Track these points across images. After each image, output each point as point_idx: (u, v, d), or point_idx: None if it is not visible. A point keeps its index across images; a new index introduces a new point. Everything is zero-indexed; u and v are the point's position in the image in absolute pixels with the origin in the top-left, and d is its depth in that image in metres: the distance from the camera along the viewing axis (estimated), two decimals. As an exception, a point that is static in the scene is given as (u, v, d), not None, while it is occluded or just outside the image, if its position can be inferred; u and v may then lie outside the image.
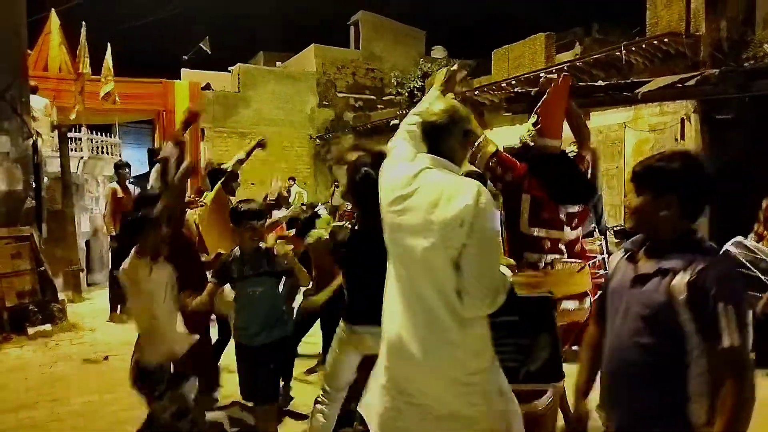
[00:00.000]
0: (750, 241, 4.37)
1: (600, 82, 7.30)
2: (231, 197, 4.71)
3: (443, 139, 2.00)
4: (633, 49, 9.42)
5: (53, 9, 11.97)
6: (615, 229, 7.26)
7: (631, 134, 10.01)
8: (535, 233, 2.80)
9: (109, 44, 11.03)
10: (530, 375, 2.43)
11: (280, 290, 3.46)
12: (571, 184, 2.83)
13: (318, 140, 20.53)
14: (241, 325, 3.23)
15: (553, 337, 2.47)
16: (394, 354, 1.96)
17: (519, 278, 2.70)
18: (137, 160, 12.50)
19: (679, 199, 1.65)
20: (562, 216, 2.83)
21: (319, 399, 2.89)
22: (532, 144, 2.91)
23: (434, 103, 2.13)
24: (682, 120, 9.05)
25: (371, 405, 2.09)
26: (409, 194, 1.93)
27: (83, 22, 10.46)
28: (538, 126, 2.88)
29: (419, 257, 1.87)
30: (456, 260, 1.81)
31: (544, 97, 2.89)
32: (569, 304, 2.74)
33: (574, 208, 2.87)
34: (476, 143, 2.87)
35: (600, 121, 9.86)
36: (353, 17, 22.84)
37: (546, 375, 2.45)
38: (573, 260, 2.84)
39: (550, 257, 2.79)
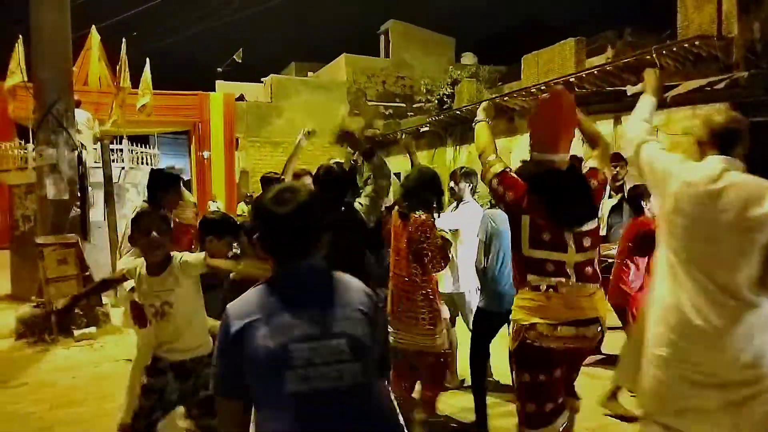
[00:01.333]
0: None
1: (629, 86, 7.26)
2: None
3: (736, 144, 2.38)
4: (664, 52, 9.34)
5: (93, 26, 12.46)
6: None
7: (663, 138, 9.93)
8: (536, 255, 2.66)
9: (147, 59, 11.44)
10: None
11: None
12: (571, 203, 2.68)
13: (349, 147, 20.79)
14: None
15: None
16: (682, 332, 2.28)
17: (520, 301, 2.70)
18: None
19: None
20: (568, 237, 2.65)
21: None
22: (534, 160, 2.84)
23: (718, 112, 2.57)
24: (715, 123, 8.94)
25: (644, 372, 2.41)
26: (717, 191, 2.26)
27: (123, 39, 10.88)
28: (531, 141, 2.83)
29: (725, 247, 2.23)
30: (764, 251, 2.17)
31: (533, 110, 2.84)
32: (571, 330, 2.60)
33: (582, 228, 2.69)
34: (485, 160, 2.87)
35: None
36: (383, 26, 23.11)
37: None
38: (582, 283, 2.65)
39: (553, 280, 2.62)
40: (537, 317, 2.61)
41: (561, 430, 2.71)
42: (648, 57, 9.67)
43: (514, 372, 2.86)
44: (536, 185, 2.69)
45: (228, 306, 1.60)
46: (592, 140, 3.06)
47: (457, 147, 16.07)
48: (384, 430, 1.58)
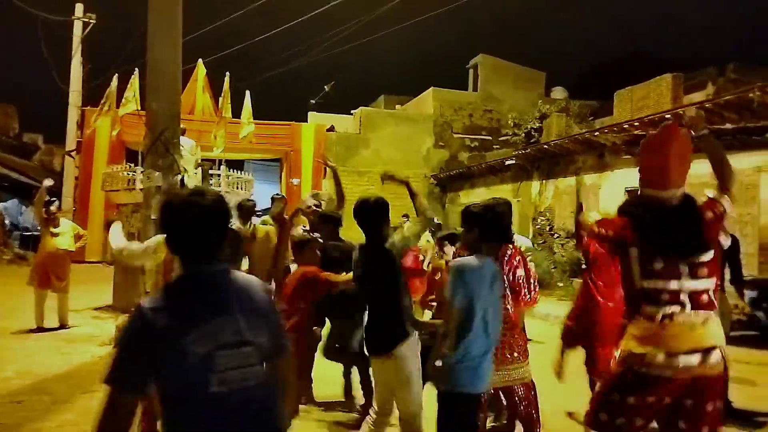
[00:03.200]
0: None
1: (728, 125, 6.94)
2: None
3: None
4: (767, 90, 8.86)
5: (200, 60, 13.45)
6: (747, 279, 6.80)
7: (766, 179, 9.33)
8: (648, 285, 2.66)
9: (248, 91, 12.21)
10: None
11: None
12: (676, 232, 2.66)
13: (432, 179, 20.96)
14: None
15: None
16: None
17: (633, 330, 2.69)
18: (265, 194, 13.50)
19: None
20: (683, 266, 2.64)
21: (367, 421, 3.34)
22: (643, 195, 2.81)
23: None
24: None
25: None
26: None
27: (227, 72, 11.68)
28: (640, 176, 2.81)
29: None
30: None
31: (641, 147, 2.82)
32: (691, 359, 2.56)
33: (701, 258, 2.66)
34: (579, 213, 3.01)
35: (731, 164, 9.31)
36: (472, 60, 23.29)
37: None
38: (699, 311, 2.63)
39: (669, 309, 2.61)
40: (650, 347, 2.59)
41: None
42: (751, 95, 9.21)
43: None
44: (638, 218, 2.70)
45: (144, 302, 1.68)
46: (718, 168, 2.85)
47: (543, 181, 15.79)
48: (274, 422, 1.78)
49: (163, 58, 7.73)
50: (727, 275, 4.92)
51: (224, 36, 17.14)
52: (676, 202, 2.71)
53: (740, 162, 9.30)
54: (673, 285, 2.62)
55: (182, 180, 8.09)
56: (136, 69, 11.03)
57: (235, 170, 12.04)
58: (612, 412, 2.68)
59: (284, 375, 1.88)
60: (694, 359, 2.55)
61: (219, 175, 11.19)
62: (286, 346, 1.86)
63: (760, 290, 7.64)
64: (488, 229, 3.13)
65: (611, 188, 13.34)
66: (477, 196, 18.08)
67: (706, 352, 2.57)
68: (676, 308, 2.60)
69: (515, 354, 3.71)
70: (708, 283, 2.65)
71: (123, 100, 11.28)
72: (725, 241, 2.81)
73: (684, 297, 2.61)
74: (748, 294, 6.93)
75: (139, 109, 9.88)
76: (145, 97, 8.29)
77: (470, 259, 3.07)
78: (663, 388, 2.59)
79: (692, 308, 2.61)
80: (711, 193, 2.80)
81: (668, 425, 2.69)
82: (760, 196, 9.25)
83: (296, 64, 22.34)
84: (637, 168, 2.82)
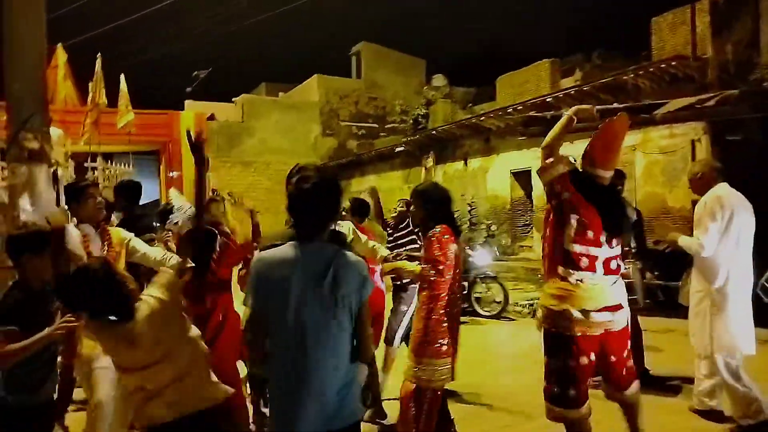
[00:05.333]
0: None
1: (615, 105, 7.39)
2: None
3: None
4: (641, 72, 9.57)
5: (60, 44, 12.10)
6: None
7: (640, 157, 10.11)
8: (574, 250, 2.98)
9: (123, 76, 11.12)
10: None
11: None
12: (621, 216, 3.13)
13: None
14: None
15: None
16: None
17: (550, 289, 3.05)
18: (144, 188, 12.52)
19: None
20: (602, 237, 3.00)
21: None
22: (583, 170, 3.11)
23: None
24: (693, 142, 9.15)
25: None
26: None
27: (98, 54, 10.56)
28: (586, 156, 3.09)
29: None
30: None
31: (597, 131, 3.07)
32: (603, 316, 2.95)
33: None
34: (549, 159, 3.05)
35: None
36: (354, 48, 23.20)
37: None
38: (608, 276, 3.03)
39: (585, 272, 2.96)
40: (567, 305, 2.94)
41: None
42: (625, 78, 9.91)
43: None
44: (590, 195, 3.00)
45: None
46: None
47: (433, 166, 16.09)
48: None
49: (24, 30, 6.77)
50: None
51: (90, 16, 15.63)
52: (607, 182, 3.11)
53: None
54: (594, 252, 2.98)
55: (55, 173, 7.19)
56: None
57: (111, 162, 10.99)
58: (561, 382, 2.98)
59: None
60: (605, 316, 2.94)
61: (95, 169, 10.15)
62: None
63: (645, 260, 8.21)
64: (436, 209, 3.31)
65: (498, 171, 13.88)
66: (368, 183, 18.07)
67: (614, 309, 2.98)
68: (590, 272, 2.96)
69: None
70: (617, 252, 3.08)
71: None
72: (632, 216, 3.09)
73: (599, 263, 2.99)
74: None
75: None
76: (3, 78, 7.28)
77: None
78: (587, 345, 2.94)
79: (603, 273, 2.99)
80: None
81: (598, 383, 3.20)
82: (635, 173, 10.01)
83: (170, 49, 20.91)
84: (588, 147, 3.09)
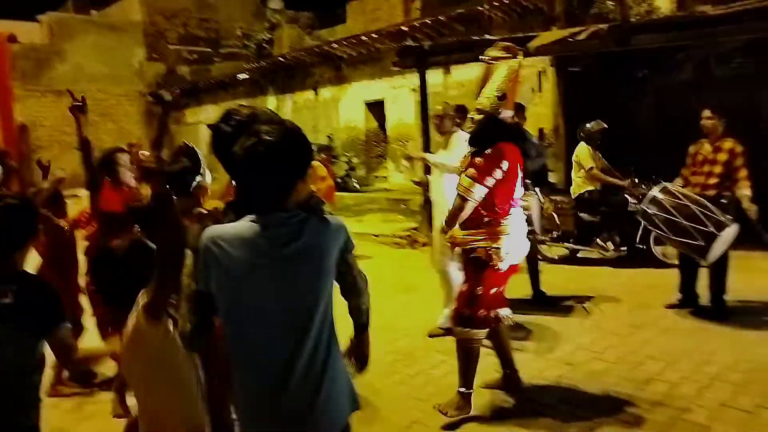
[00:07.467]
0: (675, 186, 4.69)
1: (486, 36, 7.58)
2: None
3: None
4: (495, 4, 9.89)
5: None
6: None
7: (492, 87, 10.60)
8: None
9: None
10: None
11: None
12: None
13: (150, 97, 18.71)
14: None
15: None
16: None
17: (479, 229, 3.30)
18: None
19: None
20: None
21: None
22: (494, 113, 3.24)
23: None
24: (540, 73, 9.80)
25: None
26: None
27: None
28: (504, 99, 3.22)
29: None
30: None
31: (512, 75, 3.23)
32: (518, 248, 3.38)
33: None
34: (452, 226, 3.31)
35: (462, 75, 10.27)
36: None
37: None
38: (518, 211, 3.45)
39: (507, 213, 3.31)
40: (490, 242, 3.22)
41: None
42: (480, 8, 10.18)
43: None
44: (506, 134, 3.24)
45: None
46: None
47: (280, 96, 15.39)
48: None
49: None
50: None
51: None
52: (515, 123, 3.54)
53: (469, 73, 10.35)
54: (516, 194, 3.31)
55: None
56: None
57: None
58: (473, 305, 3.24)
59: None
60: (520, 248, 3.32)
61: None
62: None
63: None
64: None
65: (350, 101, 13.70)
66: (206, 113, 16.83)
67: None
68: (511, 211, 3.27)
69: None
70: (522, 190, 3.43)
71: None
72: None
73: (515, 202, 3.32)
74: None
75: None
76: None
77: None
78: (507, 274, 3.30)
79: (515, 208, 3.31)
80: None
81: None
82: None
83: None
84: (502, 93, 3.22)
